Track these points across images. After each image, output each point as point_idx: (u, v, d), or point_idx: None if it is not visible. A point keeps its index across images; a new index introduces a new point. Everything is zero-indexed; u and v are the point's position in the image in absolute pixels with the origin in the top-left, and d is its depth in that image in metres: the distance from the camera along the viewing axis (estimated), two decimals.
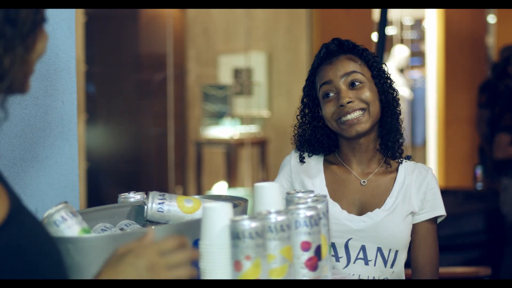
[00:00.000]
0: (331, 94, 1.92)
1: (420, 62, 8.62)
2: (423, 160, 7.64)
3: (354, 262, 1.88)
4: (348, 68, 1.92)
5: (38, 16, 1.08)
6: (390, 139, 1.95)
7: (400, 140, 1.98)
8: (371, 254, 1.89)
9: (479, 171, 5.00)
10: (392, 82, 1.99)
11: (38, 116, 1.89)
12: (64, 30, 1.95)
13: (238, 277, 1.25)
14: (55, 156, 1.93)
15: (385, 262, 1.89)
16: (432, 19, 7.39)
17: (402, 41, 8.36)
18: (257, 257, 1.25)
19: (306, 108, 2.00)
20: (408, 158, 2.02)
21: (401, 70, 7.52)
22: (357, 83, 1.91)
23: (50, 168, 1.92)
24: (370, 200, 1.94)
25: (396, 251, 1.90)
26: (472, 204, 4.51)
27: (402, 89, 7.41)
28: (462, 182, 6.96)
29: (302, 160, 2.00)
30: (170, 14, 6.29)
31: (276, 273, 1.30)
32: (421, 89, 8.24)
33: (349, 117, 1.89)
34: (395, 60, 7.37)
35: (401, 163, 1.99)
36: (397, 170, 1.98)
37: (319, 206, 1.43)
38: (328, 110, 1.92)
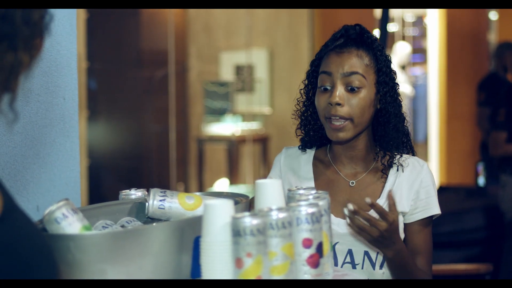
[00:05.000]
0: (328, 87, 1.84)
1: (421, 58, 8.62)
2: (425, 156, 7.63)
3: (341, 266, 1.83)
4: (352, 67, 1.82)
5: (48, 17, 1.09)
6: (388, 148, 1.88)
7: (407, 145, 1.92)
8: (358, 258, 1.84)
9: (480, 168, 4.99)
10: (398, 95, 1.89)
11: (40, 113, 1.88)
12: (65, 26, 1.94)
13: (239, 274, 1.25)
14: (56, 153, 1.93)
15: (373, 265, 1.83)
16: (434, 16, 7.38)
17: (403, 38, 8.35)
18: (259, 254, 1.25)
19: (310, 84, 1.94)
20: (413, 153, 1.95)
21: (403, 67, 7.52)
22: (355, 88, 1.82)
23: (51, 165, 1.92)
24: (358, 203, 1.85)
25: None
26: (474, 201, 4.50)
27: (404, 86, 7.40)
28: (463, 179, 6.95)
29: (303, 148, 1.97)
30: (171, 11, 6.28)
31: (278, 271, 1.30)
32: (423, 85, 8.24)
33: (334, 121, 1.82)
34: (397, 57, 7.37)
35: (394, 158, 1.89)
36: (389, 168, 1.89)
37: (321, 203, 1.43)
38: (321, 101, 1.85)
